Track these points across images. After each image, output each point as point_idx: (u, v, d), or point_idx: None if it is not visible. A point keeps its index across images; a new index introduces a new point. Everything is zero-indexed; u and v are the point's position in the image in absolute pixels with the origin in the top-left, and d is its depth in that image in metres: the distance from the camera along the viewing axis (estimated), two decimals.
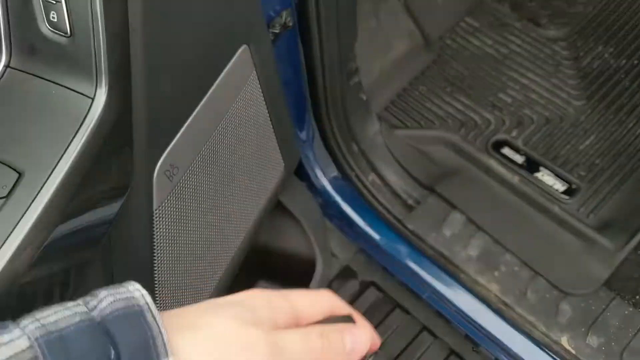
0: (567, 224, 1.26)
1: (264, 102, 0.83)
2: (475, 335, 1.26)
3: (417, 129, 1.40)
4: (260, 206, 0.91)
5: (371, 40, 1.45)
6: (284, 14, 1.08)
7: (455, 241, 1.28)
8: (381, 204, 1.33)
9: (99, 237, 0.62)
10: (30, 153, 0.52)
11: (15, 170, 0.51)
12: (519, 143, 1.37)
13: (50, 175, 0.51)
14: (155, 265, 0.72)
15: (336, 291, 1.51)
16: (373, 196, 1.33)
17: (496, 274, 1.24)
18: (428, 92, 1.46)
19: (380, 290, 1.57)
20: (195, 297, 0.82)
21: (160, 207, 0.69)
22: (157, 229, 0.69)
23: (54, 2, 0.53)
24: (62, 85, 0.55)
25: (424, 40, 1.51)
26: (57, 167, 0.51)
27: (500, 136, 1.39)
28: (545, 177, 1.32)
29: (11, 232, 0.49)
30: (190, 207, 0.74)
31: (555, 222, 1.26)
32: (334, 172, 1.32)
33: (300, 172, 1.30)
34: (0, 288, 0.48)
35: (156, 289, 0.74)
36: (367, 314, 1.50)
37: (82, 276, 0.65)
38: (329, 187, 1.32)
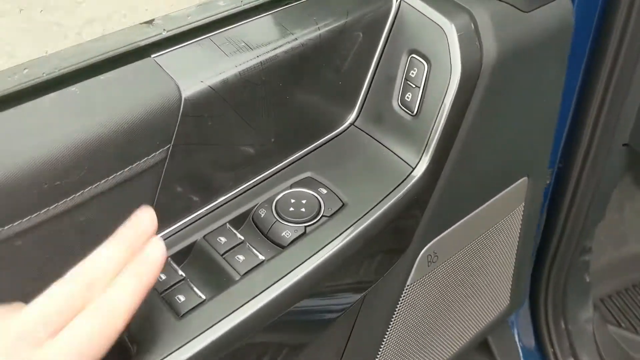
0: None
1: (518, 236, 0.87)
2: None
3: (632, 332, 1.33)
4: (475, 331, 0.92)
5: (609, 229, 1.44)
6: (548, 171, 1.13)
7: None
8: None
9: (363, 287, 0.68)
10: (355, 192, 0.62)
11: (340, 200, 0.61)
12: None
13: (367, 212, 0.60)
14: (384, 338, 0.76)
15: None
16: None
17: None
18: None
19: None
20: None
21: (411, 286, 0.74)
22: (400, 303, 0.74)
23: (413, 86, 0.63)
24: (391, 150, 0.65)
25: None
26: (372, 209, 0.60)
27: None
28: None
29: (330, 242, 0.58)
30: (431, 297, 0.78)
31: None
32: (532, 338, 1.29)
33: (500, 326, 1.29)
34: None
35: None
36: None
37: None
38: (522, 351, 1.28)
